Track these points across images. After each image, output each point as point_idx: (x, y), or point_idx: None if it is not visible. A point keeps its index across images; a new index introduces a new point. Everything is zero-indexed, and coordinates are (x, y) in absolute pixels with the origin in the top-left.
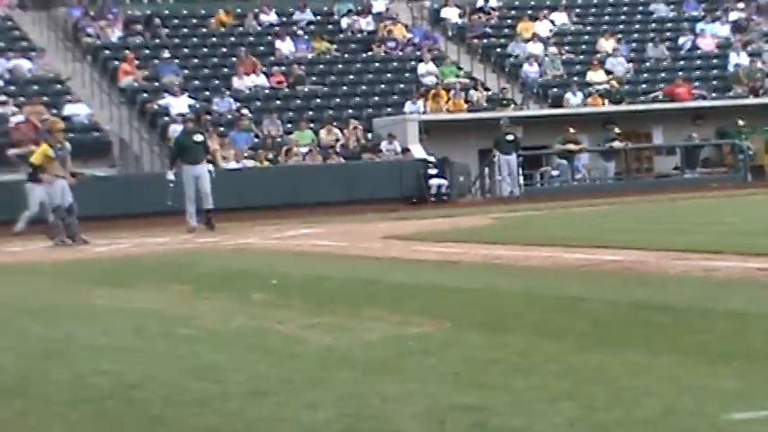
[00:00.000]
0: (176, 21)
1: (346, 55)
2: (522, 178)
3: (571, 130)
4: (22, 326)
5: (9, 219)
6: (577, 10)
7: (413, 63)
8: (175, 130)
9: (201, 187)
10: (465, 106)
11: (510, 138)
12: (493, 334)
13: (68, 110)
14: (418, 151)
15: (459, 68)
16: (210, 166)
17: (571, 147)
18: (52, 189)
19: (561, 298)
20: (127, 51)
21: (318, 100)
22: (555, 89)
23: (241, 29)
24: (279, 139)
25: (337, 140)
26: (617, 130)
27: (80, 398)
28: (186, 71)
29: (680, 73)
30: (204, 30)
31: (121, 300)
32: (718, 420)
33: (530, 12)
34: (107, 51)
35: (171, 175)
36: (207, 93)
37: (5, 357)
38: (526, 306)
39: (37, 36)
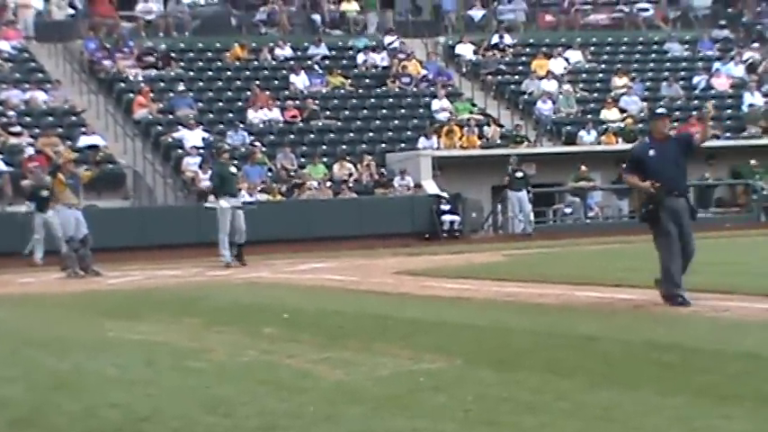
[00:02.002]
0: (192, 54)
1: (360, 90)
2: (533, 215)
3: (583, 168)
4: (34, 357)
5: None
6: (592, 48)
7: (427, 99)
8: (189, 162)
9: (237, 221)
10: (478, 143)
11: (519, 175)
12: (504, 371)
13: (83, 141)
14: (431, 187)
15: (473, 105)
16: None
17: (584, 184)
18: (66, 220)
19: (573, 336)
20: (142, 84)
21: (332, 135)
22: (569, 127)
23: (256, 63)
24: (292, 174)
25: (350, 175)
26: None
27: (91, 430)
28: (201, 104)
29: (694, 112)
30: (219, 63)
31: (133, 332)
32: None
33: (544, 49)
34: (122, 84)
35: (211, 204)
36: (221, 126)
37: (17, 388)
38: (537, 344)
39: (53, 68)
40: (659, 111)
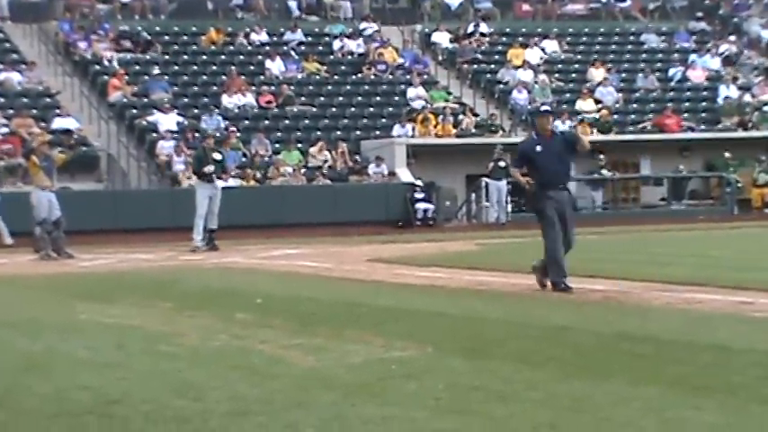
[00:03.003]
0: (167, 38)
1: (336, 76)
2: (510, 205)
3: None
4: (5, 338)
5: None
6: (568, 38)
7: (402, 87)
8: (163, 146)
9: (212, 206)
10: (453, 131)
11: (502, 164)
12: (475, 360)
13: (57, 123)
14: (405, 175)
15: (449, 93)
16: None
17: None
18: (39, 202)
19: (545, 326)
20: (117, 67)
21: (307, 121)
22: None
23: (231, 47)
24: (266, 159)
25: (325, 161)
26: (602, 156)
27: (61, 411)
28: (176, 88)
29: (669, 104)
30: (195, 47)
31: (104, 315)
32: None
33: (520, 39)
34: (97, 66)
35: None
36: (196, 110)
37: None
38: (509, 333)
39: (27, 49)
40: (543, 108)
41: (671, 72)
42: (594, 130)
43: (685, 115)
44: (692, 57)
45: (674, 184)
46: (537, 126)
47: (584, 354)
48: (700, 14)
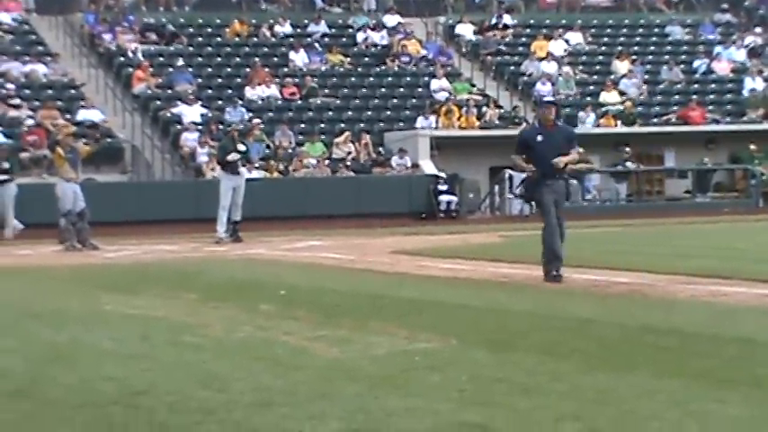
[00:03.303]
0: (191, 29)
1: (360, 68)
2: None
3: (581, 150)
4: (31, 329)
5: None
6: (593, 30)
7: (426, 78)
8: (187, 138)
9: (236, 198)
10: (477, 123)
11: None
12: (499, 352)
13: (82, 115)
14: (429, 167)
15: (473, 85)
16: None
17: (582, 167)
18: (64, 194)
19: (569, 318)
20: (141, 58)
21: (330, 113)
22: (567, 109)
23: (255, 39)
24: (290, 151)
25: (349, 153)
26: (627, 149)
27: (86, 402)
28: (200, 80)
29: (694, 96)
30: (219, 39)
31: (129, 306)
32: None
33: (544, 31)
34: (121, 58)
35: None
36: (220, 102)
37: (13, 360)
38: (533, 325)
39: (53, 41)
40: (546, 99)
41: (696, 64)
42: (619, 122)
43: (710, 107)
44: (717, 49)
45: (699, 177)
46: (540, 115)
47: (608, 346)
48: (725, 6)
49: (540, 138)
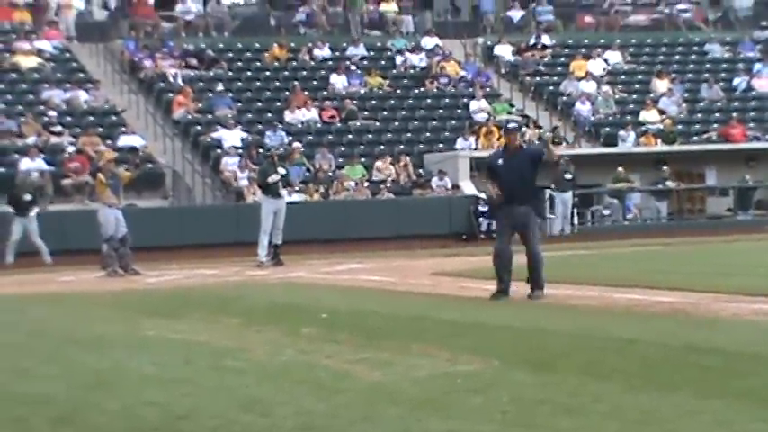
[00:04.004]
0: (231, 54)
1: (399, 91)
2: (576, 218)
3: (621, 170)
4: (73, 355)
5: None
6: (631, 49)
7: (465, 100)
8: (227, 162)
9: (277, 222)
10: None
11: (568, 176)
12: (541, 373)
13: (123, 141)
14: (469, 188)
15: (512, 106)
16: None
17: (622, 186)
18: (106, 219)
19: (610, 338)
20: (182, 84)
21: (370, 135)
22: (607, 128)
23: (294, 63)
24: (330, 174)
25: (389, 176)
26: (665, 167)
27: (128, 428)
28: (239, 104)
29: (734, 114)
30: (258, 64)
31: (171, 331)
32: None
33: (583, 50)
34: (162, 84)
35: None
36: (259, 126)
37: (56, 386)
38: (574, 346)
39: (93, 68)
40: (510, 126)
41: (735, 82)
42: (659, 141)
43: (751, 125)
44: (757, 66)
45: (740, 195)
46: (505, 141)
47: (650, 366)
48: (764, 23)
49: (500, 162)
